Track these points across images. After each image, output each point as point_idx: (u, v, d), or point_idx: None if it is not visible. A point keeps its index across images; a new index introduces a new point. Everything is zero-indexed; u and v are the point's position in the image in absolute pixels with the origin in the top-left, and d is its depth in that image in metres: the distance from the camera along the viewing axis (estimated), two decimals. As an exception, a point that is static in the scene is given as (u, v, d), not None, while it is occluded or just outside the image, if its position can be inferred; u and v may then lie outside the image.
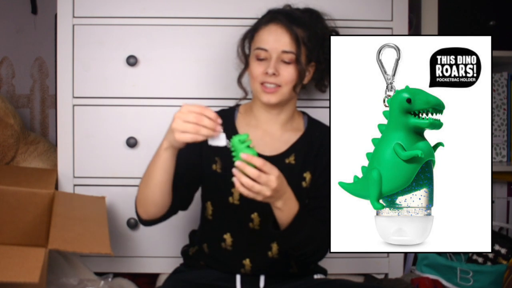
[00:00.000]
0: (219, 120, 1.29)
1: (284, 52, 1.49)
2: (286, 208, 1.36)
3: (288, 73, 1.50)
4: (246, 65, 1.58)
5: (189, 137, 1.28)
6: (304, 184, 1.53)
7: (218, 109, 1.62)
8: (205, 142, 1.50)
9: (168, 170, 1.38)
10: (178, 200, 1.47)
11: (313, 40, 1.54)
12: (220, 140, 1.30)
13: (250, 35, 1.57)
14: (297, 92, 1.56)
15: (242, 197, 1.50)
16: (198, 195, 1.67)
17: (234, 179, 1.28)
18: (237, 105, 1.65)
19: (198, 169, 1.55)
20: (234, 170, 1.27)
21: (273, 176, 1.28)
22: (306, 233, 1.40)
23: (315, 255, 1.50)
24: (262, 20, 1.55)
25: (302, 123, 1.61)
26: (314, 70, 1.58)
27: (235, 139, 1.28)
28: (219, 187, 1.53)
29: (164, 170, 1.38)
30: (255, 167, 1.26)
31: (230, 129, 1.56)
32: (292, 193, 1.37)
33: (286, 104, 1.55)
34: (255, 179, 1.26)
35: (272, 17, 1.53)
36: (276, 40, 1.49)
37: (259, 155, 1.52)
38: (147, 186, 1.41)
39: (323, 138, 1.53)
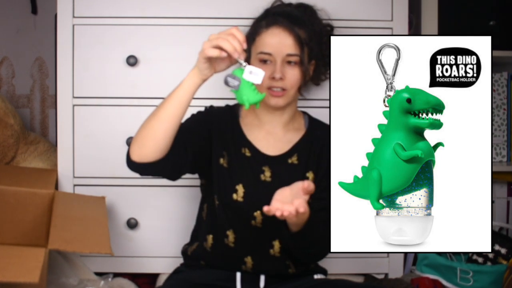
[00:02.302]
0: (245, 44, 1.33)
1: (289, 55, 1.49)
2: (301, 216, 1.37)
3: (293, 76, 1.50)
4: None
5: (217, 52, 1.32)
6: (307, 184, 1.53)
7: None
8: (215, 132, 1.53)
9: (184, 103, 1.39)
10: (173, 158, 1.43)
11: (313, 39, 1.54)
12: (253, 74, 1.34)
13: (251, 38, 1.56)
14: (301, 93, 1.57)
15: (246, 194, 1.51)
16: (198, 193, 1.68)
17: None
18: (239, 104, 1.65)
19: (200, 148, 1.52)
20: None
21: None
22: (313, 236, 1.42)
23: (317, 256, 1.51)
24: (262, 23, 1.54)
25: (303, 123, 1.62)
26: (314, 67, 1.59)
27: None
28: (225, 182, 1.53)
29: (180, 101, 1.38)
30: None
31: (234, 127, 1.57)
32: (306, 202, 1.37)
33: (289, 104, 1.55)
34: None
35: (273, 20, 1.53)
36: (280, 44, 1.49)
37: (263, 154, 1.53)
38: (155, 117, 1.40)
39: (325, 138, 1.54)
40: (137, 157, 1.41)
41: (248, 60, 1.57)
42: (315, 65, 1.59)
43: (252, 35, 1.56)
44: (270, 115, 1.57)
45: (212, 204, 1.57)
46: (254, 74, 1.33)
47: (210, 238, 1.56)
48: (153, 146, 1.40)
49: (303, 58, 1.51)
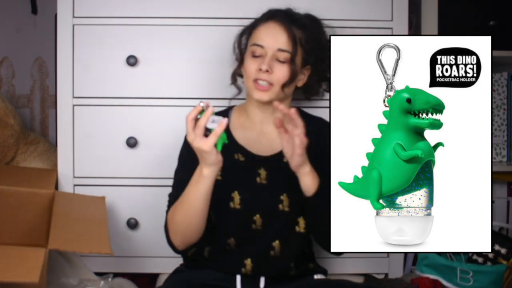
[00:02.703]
0: (199, 107, 1.33)
1: (280, 50, 1.49)
2: (313, 173, 1.40)
3: (281, 72, 1.49)
4: (241, 62, 1.58)
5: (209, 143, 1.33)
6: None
7: (218, 109, 1.62)
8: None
9: (209, 197, 1.42)
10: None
11: (311, 42, 1.54)
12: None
13: (248, 32, 1.57)
14: (287, 93, 1.54)
15: (242, 201, 1.50)
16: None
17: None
18: (231, 107, 1.65)
19: None
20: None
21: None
22: (328, 199, 1.39)
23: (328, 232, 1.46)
24: (261, 17, 1.56)
25: None
26: (309, 74, 1.58)
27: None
28: (220, 194, 1.50)
29: (205, 197, 1.41)
30: None
31: (224, 130, 1.56)
32: None
33: (274, 101, 1.54)
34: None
35: (271, 15, 1.54)
36: (273, 38, 1.50)
37: (257, 156, 1.53)
38: (188, 215, 1.43)
39: (319, 132, 1.53)
40: (183, 245, 1.50)
41: (243, 53, 1.57)
42: (312, 72, 1.58)
43: (249, 28, 1.57)
44: (262, 114, 1.57)
45: (209, 218, 1.54)
46: (216, 122, 1.33)
47: (206, 250, 1.56)
48: (197, 235, 1.48)
49: (294, 57, 1.50)
